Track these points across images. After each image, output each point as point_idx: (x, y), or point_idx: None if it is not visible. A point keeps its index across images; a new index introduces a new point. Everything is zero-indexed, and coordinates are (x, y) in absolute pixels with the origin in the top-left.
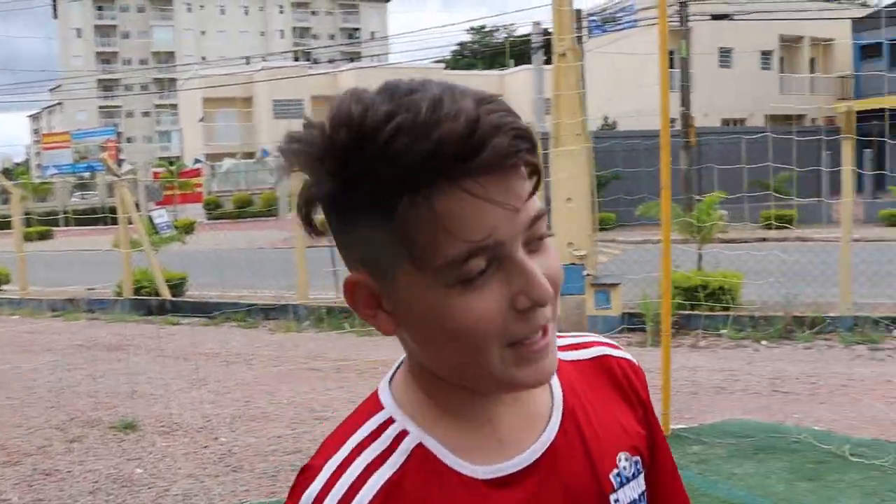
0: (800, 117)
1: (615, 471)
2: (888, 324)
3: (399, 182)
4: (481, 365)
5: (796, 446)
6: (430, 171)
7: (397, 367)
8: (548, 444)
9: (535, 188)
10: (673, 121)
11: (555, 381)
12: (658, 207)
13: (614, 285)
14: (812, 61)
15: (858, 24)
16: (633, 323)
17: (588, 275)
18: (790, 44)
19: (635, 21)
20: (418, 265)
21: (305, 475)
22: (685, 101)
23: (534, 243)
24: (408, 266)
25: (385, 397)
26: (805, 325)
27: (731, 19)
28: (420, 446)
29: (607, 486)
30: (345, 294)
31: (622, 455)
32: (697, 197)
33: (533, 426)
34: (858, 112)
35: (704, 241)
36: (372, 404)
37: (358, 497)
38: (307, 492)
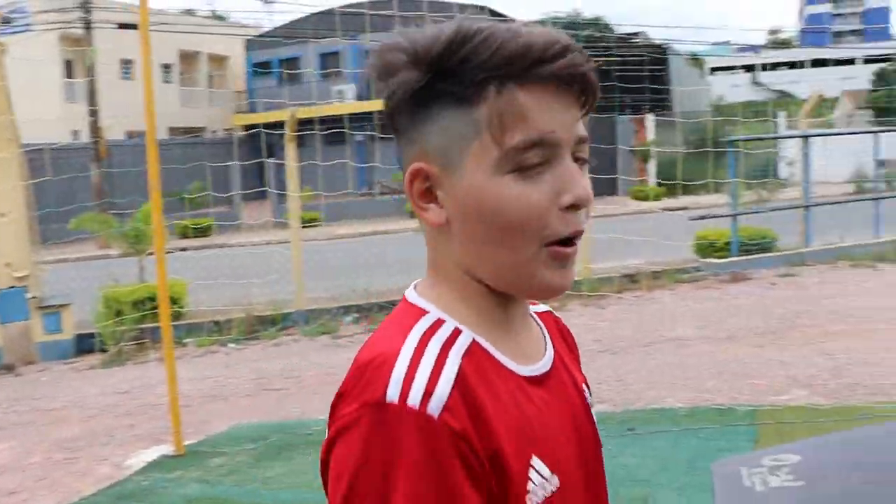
0: (201, 129)
1: (587, 396)
2: (338, 313)
3: (493, 70)
4: (520, 263)
5: (316, 437)
6: (519, 66)
7: (412, 295)
8: (552, 360)
9: (585, 114)
10: (78, 132)
11: (535, 317)
12: (90, 221)
13: (64, 306)
14: (210, 76)
15: (252, 43)
16: (87, 345)
17: (33, 297)
18: (189, 58)
19: (29, 25)
20: (494, 143)
21: (380, 361)
22: (94, 112)
23: (577, 161)
24: (478, 149)
25: (424, 304)
26: (267, 323)
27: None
28: (475, 342)
29: (588, 404)
30: (406, 183)
31: (584, 386)
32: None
33: (539, 344)
34: (254, 125)
35: (142, 252)
36: (412, 310)
37: (442, 379)
38: (394, 372)
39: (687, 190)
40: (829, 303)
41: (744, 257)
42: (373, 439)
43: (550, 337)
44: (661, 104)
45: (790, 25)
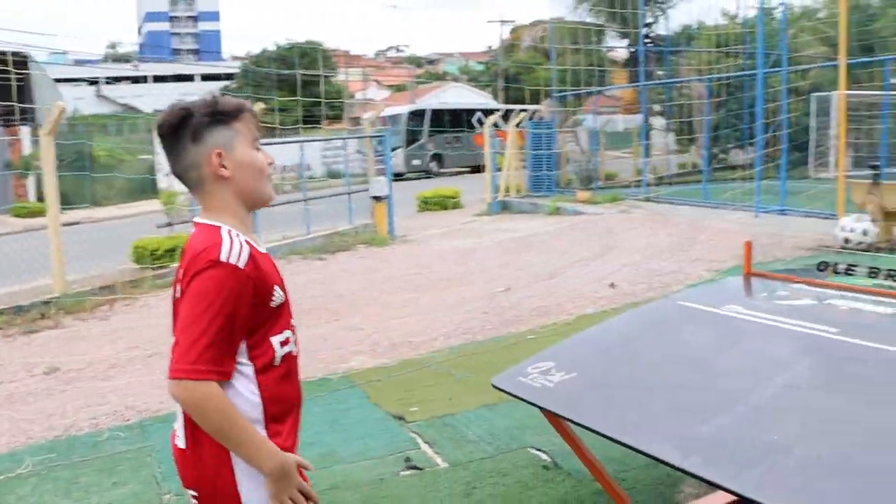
0: None
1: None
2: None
3: (234, 110)
4: (262, 189)
5: None
6: (237, 110)
7: (203, 220)
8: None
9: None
10: None
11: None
12: None
13: None
14: None
15: None
16: None
17: None
18: None
19: None
20: (245, 141)
21: (214, 244)
22: None
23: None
24: (241, 141)
25: (217, 223)
26: None
27: None
28: (247, 240)
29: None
30: (212, 160)
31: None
32: None
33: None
34: None
35: None
36: (212, 227)
37: (243, 251)
38: (223, 248)
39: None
40: (323, 288)
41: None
42: (215, 276)
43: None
44: (27, 116)
45: (130, 41)
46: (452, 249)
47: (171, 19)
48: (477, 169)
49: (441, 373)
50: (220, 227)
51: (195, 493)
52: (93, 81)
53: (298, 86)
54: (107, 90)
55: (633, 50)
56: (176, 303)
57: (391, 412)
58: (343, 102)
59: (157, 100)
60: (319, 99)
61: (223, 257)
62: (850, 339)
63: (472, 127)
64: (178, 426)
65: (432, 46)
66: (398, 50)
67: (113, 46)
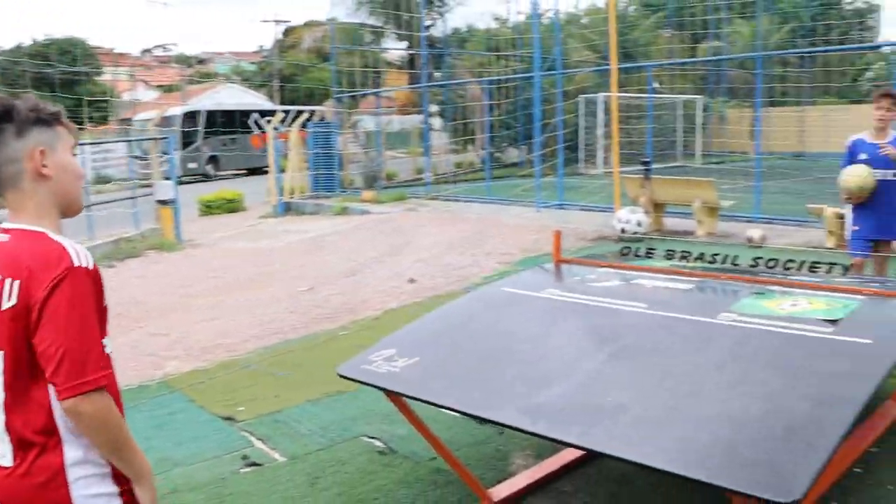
0: None
1: None
2: None
3: (58, 115)
4: (78, 195)
5: None
6: (60, 116)
7: (21, 226)
8: None
9: None
10: None
11: None
12: None
13: None
14: None
15: None
16: None
17: None
18: None
19: None
20: (66, 145)
21: (57, 252)
22: None
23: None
24: (63, 145)
25: (41, 229)
26: None
27: None
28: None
29: None
30: (35, 156)
31: None
32: None
33: None
34: None
35: None
36: (37, 233)
37: (88, 254)
38: (70, 254)
39: None
40: (119, 296)
41: None
42: (77, 282)
43: None
44: None
45: None
46: (247, 251)
47: None
48: (255, 171)
49: (261, 372)
50: (45, 233)
51: None
52: None
53: (57, 85)
54: None
55: (412, 52)
56: (14, 313)
57: (219, 413)
58: (109, 102)
59: None
60: (83, 98)
61: (76, 262)
62: (659, 312)
63: (248, 128)
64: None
65: (201, 45)
66: (165, 49)
67: None
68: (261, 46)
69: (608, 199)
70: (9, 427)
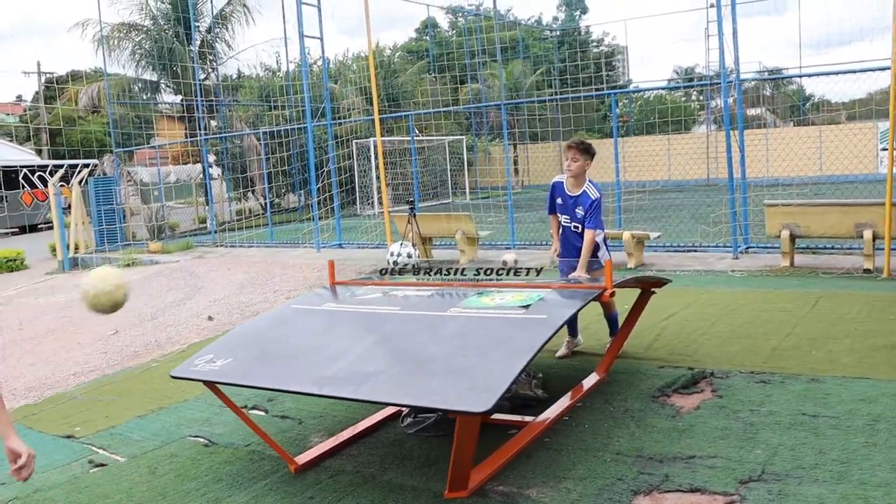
0: None
1: None
2: None
3: None
4: None
5: None
6: None
7: None
8: None
9: None
10: None
11: None
12: None
13: None
14: None
15: None
16: None
17: None
18: None
19: None
20: None
21: None
22: None
23: None
24: None
25: None
26: None
27: None
28: None
29: None
30: None
31: None
32: None
33: None
34: None
35: None
36: None
37: None
38: None
39: None
40: None
41: None
42: None
43: None
44: None
45: None
46: (45, 305)
47: None
48: (28, 229)
49: (88, 401)
50: None
51: None
52: None
53: None
54: None
55: (187, 102)
56: None
57: (59, 434)
58: None
59: None
60: None
61: None
62: (407, 311)
63: (17, 186)
64: None
65: None
66: None
67: None
68: (19, 97)
69: (382, 236)
70: None
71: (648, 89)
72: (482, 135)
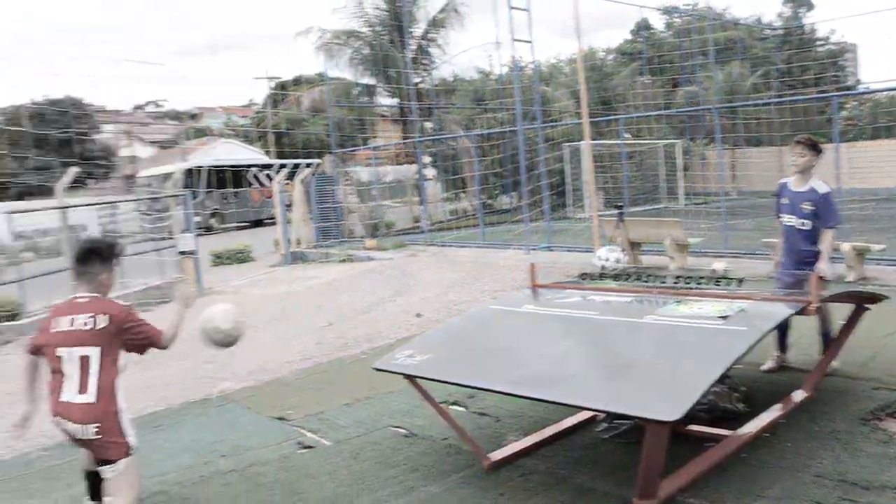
0: None
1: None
2: None
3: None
4: (111, 287)
5: None
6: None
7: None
8: None
9: None
10: None
11: None
12: None
13: None
14: None
15: None
16: None
17: None
18: None
19: None
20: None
21: (119, 305)
22: None
23: None
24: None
25: (91, 295)
26: None
27: None
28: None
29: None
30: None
31: None
32: None
33: None
34: None
35: None
36: (93, 298)
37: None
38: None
39: None
40: None
41: None
42: (131, 309)
43: None
44: None
45: None
46: (267, 295)
47: None
48: (254, 224)
49: (301, 387)
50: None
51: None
52: None
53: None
54: None
55: (402, 105)
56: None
57: (273, 416)
58: (109, 160)
59: None
60: (80, 159)
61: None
62: (604, 316)
63: (248, 183)
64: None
65: (190, 100)
66: (157, 104)
67: None
68: (250, 100)
69: (591, 240)
70: (98, 384)
71: (880, 90)
72: (696, 139)
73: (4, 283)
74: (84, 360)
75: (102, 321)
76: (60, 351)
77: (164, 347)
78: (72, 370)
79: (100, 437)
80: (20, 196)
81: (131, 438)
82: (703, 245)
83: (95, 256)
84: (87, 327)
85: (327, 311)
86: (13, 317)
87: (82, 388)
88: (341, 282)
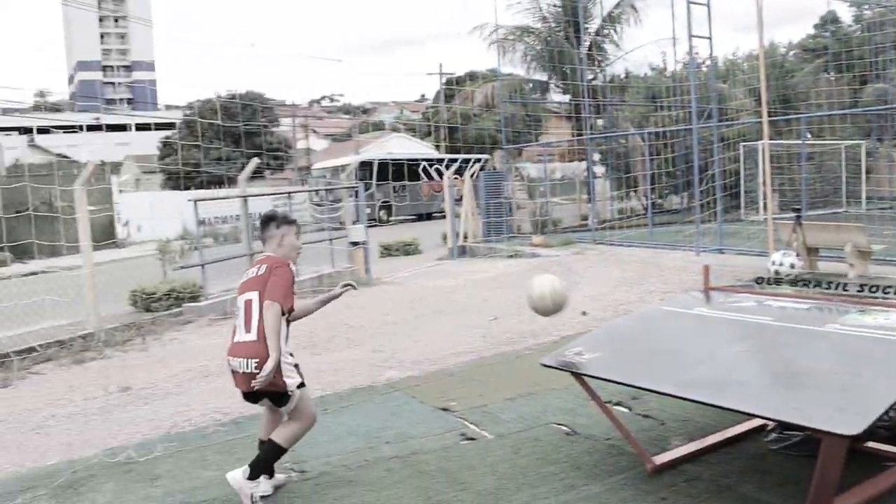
0: None
1: None
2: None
3: (290, 222)
4: (293, 255)
5: None
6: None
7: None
8: None
9: None
10: None
11: None
12: None
13: None
14: None
15: None
16: None
17: None
18: None
19: None
20: (293, 232)
21: (282, 259)
22: None
23: None
24: (292, 233)
25: (278, 257)
26: None
27: None
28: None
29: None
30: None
31: None
32: None
33: None
34: None
35: None
36: (275, 257)
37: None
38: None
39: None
40: (332, 321)
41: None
42: (287, 267)
43: None
44: None
45: (60, 89)
46: (434, 287)
47: (104, 68)
48: (423, 217)
49: (465, 379)
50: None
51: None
52: (26, 130)
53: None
54: (39, 140)
55: (575, 102)
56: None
57: (437, 406)
58: (286, 152)
59: (90, 150)
60: (263, 151)
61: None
62: (780, 322)
63: (417, 177)
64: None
65: (365, 95)
66: (332, 99)
67: (42, 95)
68: (422, 96)
69: (765, 243)
70: (258, 326)
71: None
72: (884, 139)
73: (188, 267)
74: (247, 304)
75: (263, 269)
76: (238, 299)
77: (284, 313)
78: (240, 313)
79: (258, 371)
80: (203, 185)
81: (290, 380)
82: (887, 252)
83: (272, 222)
84: (254, 275)
85: (493, 305)
86: (194, 298)
87: (248, 328)
88: (506, 277)
